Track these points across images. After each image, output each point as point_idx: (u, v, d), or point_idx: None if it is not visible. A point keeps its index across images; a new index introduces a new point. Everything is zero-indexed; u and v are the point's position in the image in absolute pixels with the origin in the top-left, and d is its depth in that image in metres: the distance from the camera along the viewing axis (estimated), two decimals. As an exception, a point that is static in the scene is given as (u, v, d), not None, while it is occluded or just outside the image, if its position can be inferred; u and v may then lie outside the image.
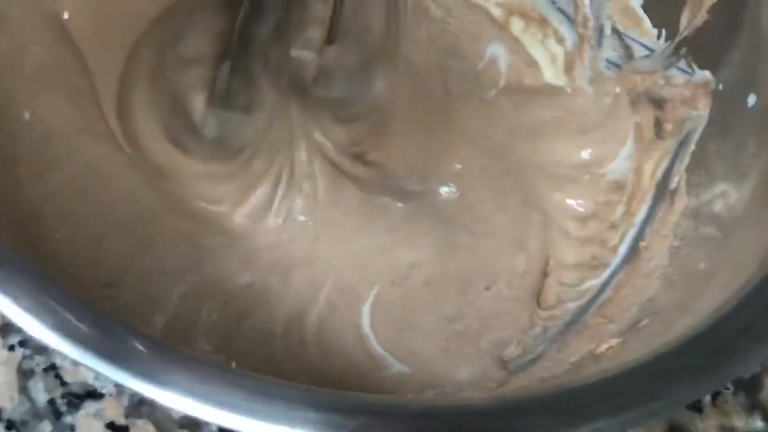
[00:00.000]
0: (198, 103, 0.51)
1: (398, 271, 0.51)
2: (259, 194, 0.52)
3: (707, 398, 0.51)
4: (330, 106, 0.53)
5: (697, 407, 0.50)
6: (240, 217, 0.51)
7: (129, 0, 0.54)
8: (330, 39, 0.52)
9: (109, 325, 0.34)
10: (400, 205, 0.53)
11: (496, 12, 0.61)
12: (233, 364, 0.45)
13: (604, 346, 0.44)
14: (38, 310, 0.34)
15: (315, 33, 0.52)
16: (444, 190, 0.54)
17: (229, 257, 0.50)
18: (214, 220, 0.51)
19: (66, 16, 0.53)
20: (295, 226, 0.52)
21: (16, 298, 0.34)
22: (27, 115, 0.49)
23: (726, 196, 0.47)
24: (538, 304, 0.52)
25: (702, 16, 0.51)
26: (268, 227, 0.51)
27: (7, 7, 0.49)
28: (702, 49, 0.51)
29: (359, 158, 0.54)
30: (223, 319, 0.48)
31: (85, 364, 0.32)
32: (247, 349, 0.47)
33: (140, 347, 0.33)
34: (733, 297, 0.38)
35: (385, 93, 0.54)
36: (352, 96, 0.54)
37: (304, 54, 0.52)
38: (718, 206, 0.47)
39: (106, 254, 0.48)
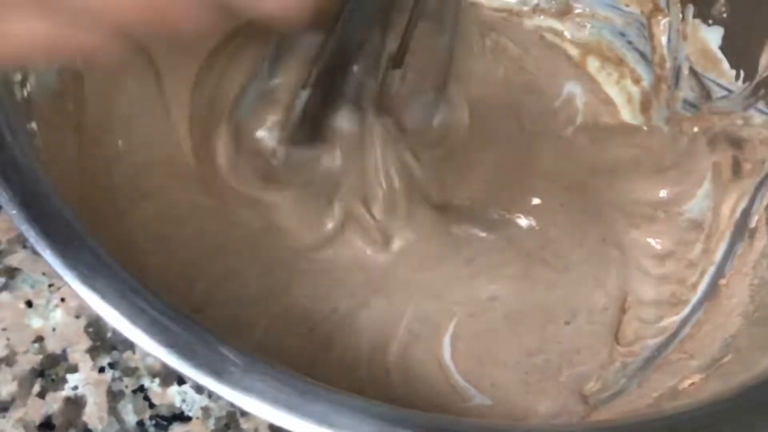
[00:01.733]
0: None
1: (477, 303, 0.52)
2: (341, 222, 0.53)
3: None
4: (404, 133, 0.53)
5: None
6: (323, 243, 0.52)
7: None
8: (395, 64, 0.53)
9: (206, 336, 0.35)
10: (481, 234, 0.53)
11: (573, 51, 0.62)
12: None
13: (686, 382, 0.44)
14: (141, 320, 0.35)
15: (384, 61, 0.53)
16: (523, 223, 0.55)
17: (314, 284, 0.51)
18: (299, 248, 0.52)
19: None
20: (376, 253, 0.53)
21: (121, 308, 0.35)
22: (120, 144, 0.51)
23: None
24: (617, 340, 0.52)
25: (781, 58, 0.51)
26: (349, 254, 0.52)
27: None
28: (781, 90, 0.52)
29: (440, 188, 0.54)
30: (309, 346, 0.49)
31: (182, 372, 0.34)
32: (333, 378, 0.48)
33: (234, 359, 0.34)
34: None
35: (454, 123, 0.55)
36: (419, 123, 0.54)
37: (370, 80, 0.52)
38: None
39: (196, 279, 0.49)
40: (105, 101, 0.51)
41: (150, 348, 0.34)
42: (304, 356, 0.48)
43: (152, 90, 0.54)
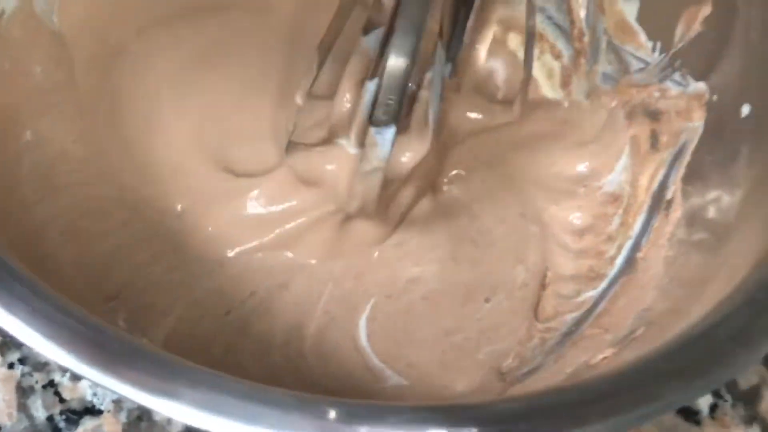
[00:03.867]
0: None
1: (397, 284, 0.52)
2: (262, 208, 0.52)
3: (705, 410, 0.51)
4: None
5: (695, 420, 0.50)
6: (243, 228, 0.52)
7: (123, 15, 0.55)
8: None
9: (110, 334, 0.34)
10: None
11: (494, 28, 0.61)
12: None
13: (599, 357, 0.44)
14: (38, 321, 0.34)
15: None
16: (452, 191, 0.55)
17: (237, 267, 0.50)
18: (219, 236, 0.51)
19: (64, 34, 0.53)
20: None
21: (13, 310, 0.34)
22: (28, 135, 0.50)
23: (719, 201, 0.47)
24: (536, 316, 0.52)
25: (695, 29, 0.51)
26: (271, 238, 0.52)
27: (8, 27, 0.50)
28: (696, 60, 0.52)
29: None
30: (224, 331, 0.48)
31: (84, 376, 0.33)
32: (249, 361, 0.47)
33: (142, 357, 0.33)
34: (726, 302, 0.38)
35: None
36: None
37: None
38: (712, 212, 0.47)
39: (114, 269, 0.49)
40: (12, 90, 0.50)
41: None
42: (217, 341, 0.48)
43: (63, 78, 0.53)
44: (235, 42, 0.57)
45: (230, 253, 0.51)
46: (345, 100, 0.49)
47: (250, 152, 0.53)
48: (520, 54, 0.60)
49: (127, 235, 0.50)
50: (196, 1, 0.58)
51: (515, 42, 0.61)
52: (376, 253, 0.53)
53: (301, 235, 0.51)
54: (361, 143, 0.47)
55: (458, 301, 0.52)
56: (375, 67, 0.48)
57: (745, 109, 0.47)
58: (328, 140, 0.49)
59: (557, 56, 0.59)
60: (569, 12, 0.58)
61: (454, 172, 0.56)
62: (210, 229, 0.51)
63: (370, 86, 0.47)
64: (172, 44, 0.56)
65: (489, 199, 0.55)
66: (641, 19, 0.55)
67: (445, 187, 0.56)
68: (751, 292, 0.38)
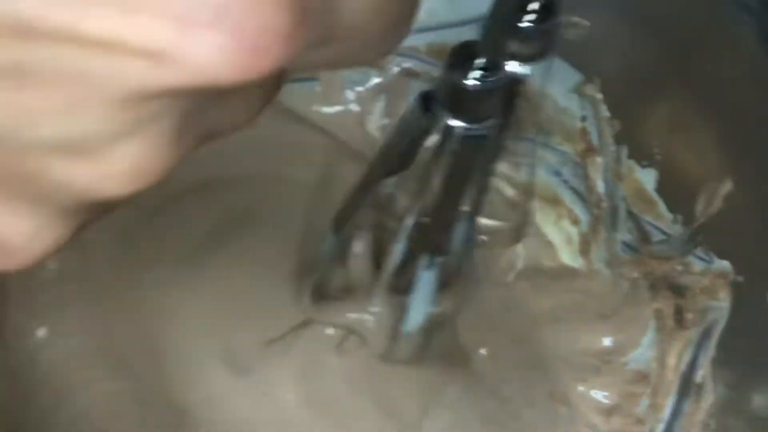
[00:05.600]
0: None
1: None
2: None
3: None
4: None
5: None
6: None
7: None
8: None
9: None
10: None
11: (509, 192, 0.61)
12: None
13: None
14: None
15: None
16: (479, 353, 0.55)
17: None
18: None
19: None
20: None
21: None
22: (42, 331, 0.49)
23: (755, 390, 0.47)
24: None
25: (717, 205, 0.51)
26: None
27: None
28: (719, 237, 0.51)
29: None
30: None
31: None
32: None
33: None
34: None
35: None
36: None
37: None
38: (748, 403, 0.47)
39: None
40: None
41: None
42: None
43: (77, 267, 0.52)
44: (248, 212, 0.56)
45: None
46: None
47: (257, 335, 0.52)
48: (538, 219, 0.61)
49: None
50: (207, 174, 0.57)
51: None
52: None
53: None
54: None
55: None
56: None
57: (773, 296, 0.47)
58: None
59: (574, 222, 0.59)
60: (586, 177, 0.58)
61: (482, 351, 0.55)
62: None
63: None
64: (183, 222, 0.56)
65: (517, 380, 0.54)
66: (660, 189, 0.54)
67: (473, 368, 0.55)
68: None
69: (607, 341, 0.55)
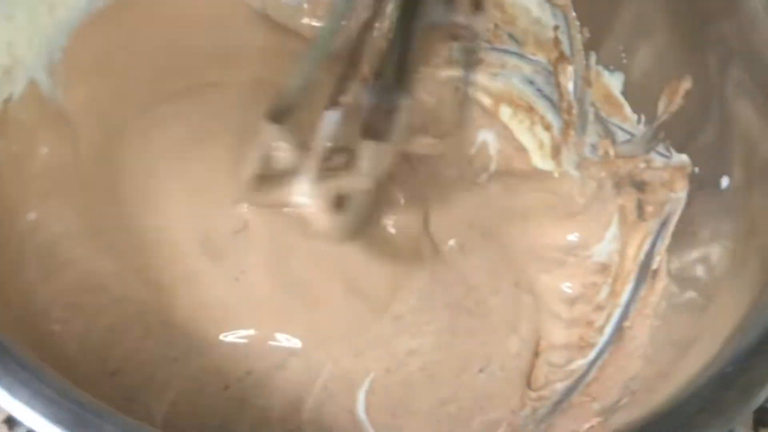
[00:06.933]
0: None
1: (395, 358, 0.53)
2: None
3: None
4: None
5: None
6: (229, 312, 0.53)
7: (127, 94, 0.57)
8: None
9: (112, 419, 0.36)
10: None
11: (486, 101, 0.63)
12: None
13: (586, 426, 0.45)
14: (41, 405, 0.36)
15: None
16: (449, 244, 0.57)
17: (232, 346, 0.51)
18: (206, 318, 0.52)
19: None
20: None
21: (18, 395, 0.36)
22: (33, 216, 0.52)
23: (707, 261, 0.48)
24: (529, 385, 0.53)
25: (677, 102, 0.53)
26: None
27: (16, 111, 0.52)
28: (678, 133, 0.53)
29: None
30: (223, 405, 0.49)
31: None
32: (245, 436, 0.49)
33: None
34: (711, 364, 0.39)
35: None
36: None
37: None
38: (699, 271, 0.49)
39: (114, 344, 0.50)
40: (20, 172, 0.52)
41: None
42: (217, 415, 0.49)
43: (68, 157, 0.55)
44: (233, 114, 0.59)
45: (220, 336, 0.51)
46: None
47: (232, 224, 0.55)
48: (512, 126, 0.63)
49: (123, 308, 0.51)
50: (199, 78, 0.60)
51: (507, 114, 0.63)
52: (375, 331, 0.54)
53: None
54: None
55: (454, 372, 0.53)
56: None
57: (725, 182, 0.49)
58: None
59: (547, 128, 0.61)
60: (557, 85, 0.60)
61: (450, 242, 0.57)
62: (197, 310, 0.52)
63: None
64: (172, 120, 0.58)
65: (484, 270, 0.57)
66: (626, 92, 0.56)
67: (442, 258, 0.57)
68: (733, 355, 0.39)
69: (572, 237, 0.58)
